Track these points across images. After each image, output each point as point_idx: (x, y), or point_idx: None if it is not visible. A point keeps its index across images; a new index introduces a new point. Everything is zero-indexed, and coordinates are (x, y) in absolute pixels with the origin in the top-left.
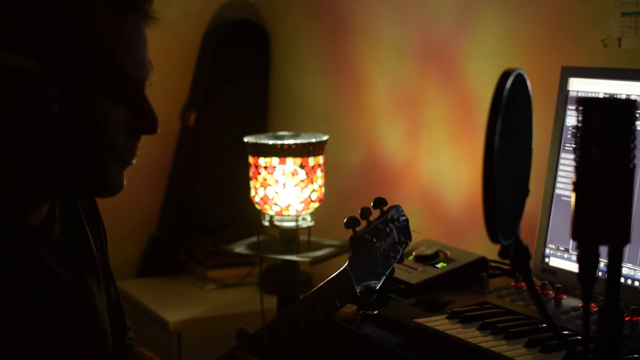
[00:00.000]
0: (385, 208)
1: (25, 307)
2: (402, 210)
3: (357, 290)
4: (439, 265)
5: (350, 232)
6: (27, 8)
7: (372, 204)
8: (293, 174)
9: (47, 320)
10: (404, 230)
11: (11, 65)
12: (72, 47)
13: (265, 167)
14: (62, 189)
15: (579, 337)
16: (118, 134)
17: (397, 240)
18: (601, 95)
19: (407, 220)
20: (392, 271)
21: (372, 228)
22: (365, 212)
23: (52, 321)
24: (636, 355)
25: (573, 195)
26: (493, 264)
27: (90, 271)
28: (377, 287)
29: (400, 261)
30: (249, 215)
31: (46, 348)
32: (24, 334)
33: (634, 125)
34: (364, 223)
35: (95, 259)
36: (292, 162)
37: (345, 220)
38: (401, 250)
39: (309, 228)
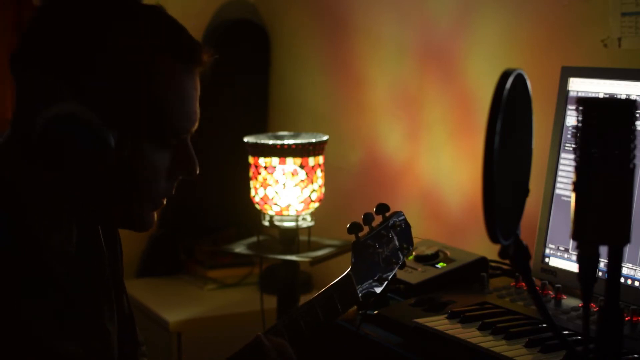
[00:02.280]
0: (387, 214)
1: (27, 308)
2: (404, 217)
3: (360, 295)
4: (439, 265)
5: (352, 237)
6: (90, 57)
7: (374, 209)
8: (293, 174)
9: (50, 325)
10: (406, 236)
11: (72, 111)
12: (129, 96)
13: (265, 167)
14: (95, 220)
15: (579, 337)
16: (159, 177)
17: (398, 246)
18: (601, 95)
19: (409, 226)
20: (394, 276)
21: (375, 234)
22: (368, 217)
23: (56, 327)
24: (636, 355)
25: (573, 195)
26: (493, 264)
27: (102, 290)
28: (379, 292)
29: (402, 267)
30: (249, 215)
31: (49, 351)
32: (26, 336)
33: (634, 125)
34: (366, 229)
35: (108, 277)
36: (292, 162)
37: (348, 226)
38: (402, 256)
39: (309, 228)
